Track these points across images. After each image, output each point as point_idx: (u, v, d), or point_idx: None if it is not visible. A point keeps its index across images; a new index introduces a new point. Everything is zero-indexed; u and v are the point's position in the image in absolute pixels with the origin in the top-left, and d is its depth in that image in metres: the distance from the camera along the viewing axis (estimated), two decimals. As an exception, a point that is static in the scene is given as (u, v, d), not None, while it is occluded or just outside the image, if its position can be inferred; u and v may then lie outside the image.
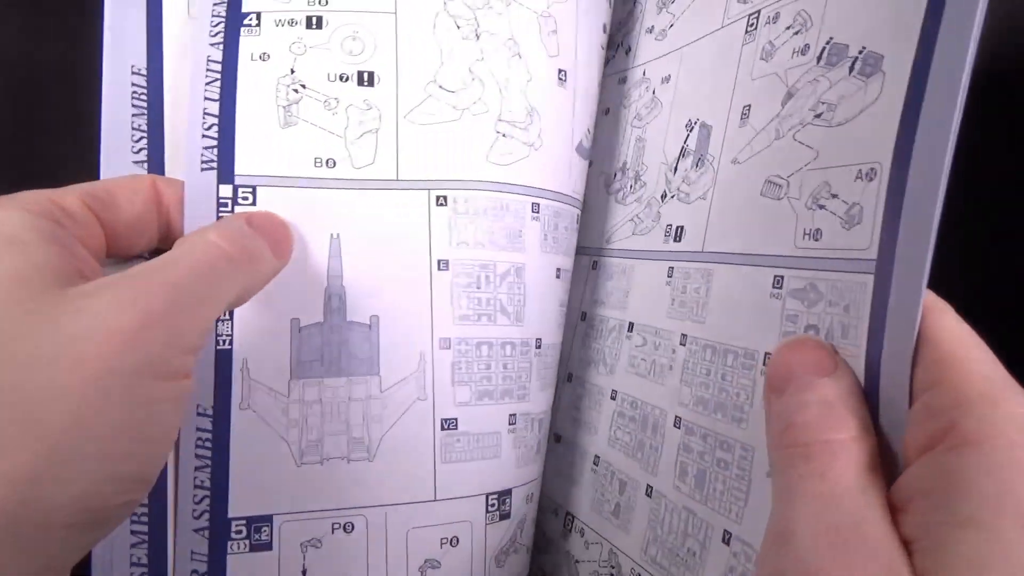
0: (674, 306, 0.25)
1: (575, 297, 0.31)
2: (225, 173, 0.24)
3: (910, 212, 0.16)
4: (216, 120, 0.24)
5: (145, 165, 0.25)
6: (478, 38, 0.27)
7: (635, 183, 0.29)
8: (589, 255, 0.31)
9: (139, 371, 0.16)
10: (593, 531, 0.27)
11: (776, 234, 0.21)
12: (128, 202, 0.21)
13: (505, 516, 0.26)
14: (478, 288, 0.26)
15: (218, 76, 0.24)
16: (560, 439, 0.31)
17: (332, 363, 0.24)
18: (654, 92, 0.29)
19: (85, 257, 0.19)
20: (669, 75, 0.28)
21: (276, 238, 0.23)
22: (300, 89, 0.25)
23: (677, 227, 0.26)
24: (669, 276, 0.26)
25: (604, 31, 0.31)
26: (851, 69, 0.19)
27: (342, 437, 0.24)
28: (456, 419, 0.25)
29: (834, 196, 0.19)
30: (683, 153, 0.26)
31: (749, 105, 0.23)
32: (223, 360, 0.23)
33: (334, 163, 0.25)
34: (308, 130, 0.25)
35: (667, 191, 0.27)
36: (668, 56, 0.28)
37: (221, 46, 0.25)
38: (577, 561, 0.28)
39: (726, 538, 0.21)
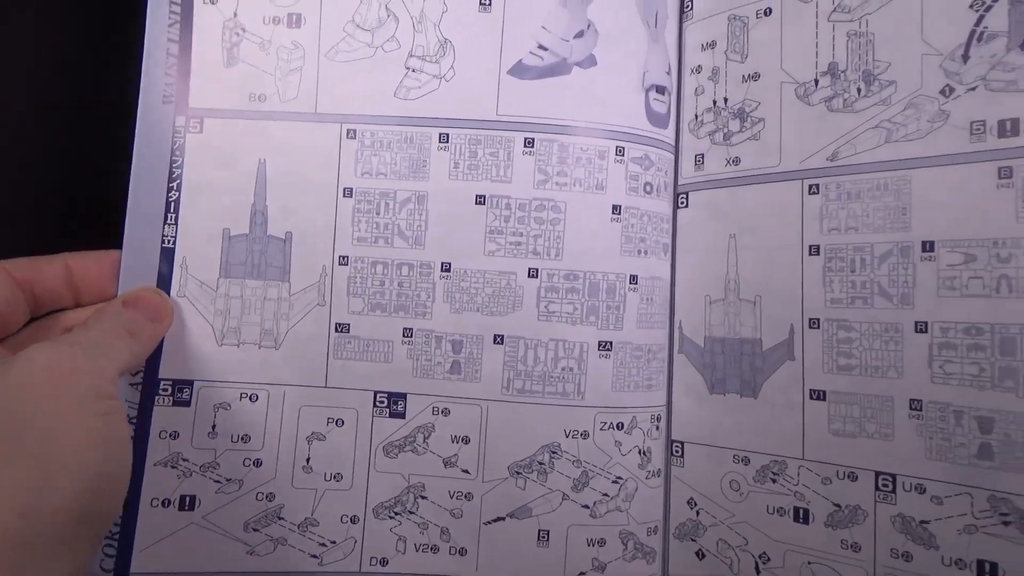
0: None
1: (788, 230, 0.29)
2: (181, 106, 0.29)
3: None
4: (176, 60, 0.29)
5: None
6: (395, -24, 0.29)
7: (867, 85, 0.27)
8: (797, 179, 0.29)
9: (84, 394, 0.22)
10: None
11: None
12: (52, 276, 0.27)
13: (397, 415, 0.29)
14: (377, 214, 0.29)
15: (178, 19, 0.29)
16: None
17: (253, 268, 0.29)
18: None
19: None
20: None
21: (151, 314, 0.28)
22: (241, 32, 0.29)
23: (1007, 121, 0.24)
24: (1005, 177, 0.24)
25: None
26: None
27: (256, 327, 0.29)
28: (349, 324, 0.29)
29: None
30: (978, 37, 0.25)
31: None
32: (166, 256, 0.29)
33: (264, 98, 0.29)
34: (246, 69, 0.29)
35: (952, 84, 0.25)
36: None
37: None
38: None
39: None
